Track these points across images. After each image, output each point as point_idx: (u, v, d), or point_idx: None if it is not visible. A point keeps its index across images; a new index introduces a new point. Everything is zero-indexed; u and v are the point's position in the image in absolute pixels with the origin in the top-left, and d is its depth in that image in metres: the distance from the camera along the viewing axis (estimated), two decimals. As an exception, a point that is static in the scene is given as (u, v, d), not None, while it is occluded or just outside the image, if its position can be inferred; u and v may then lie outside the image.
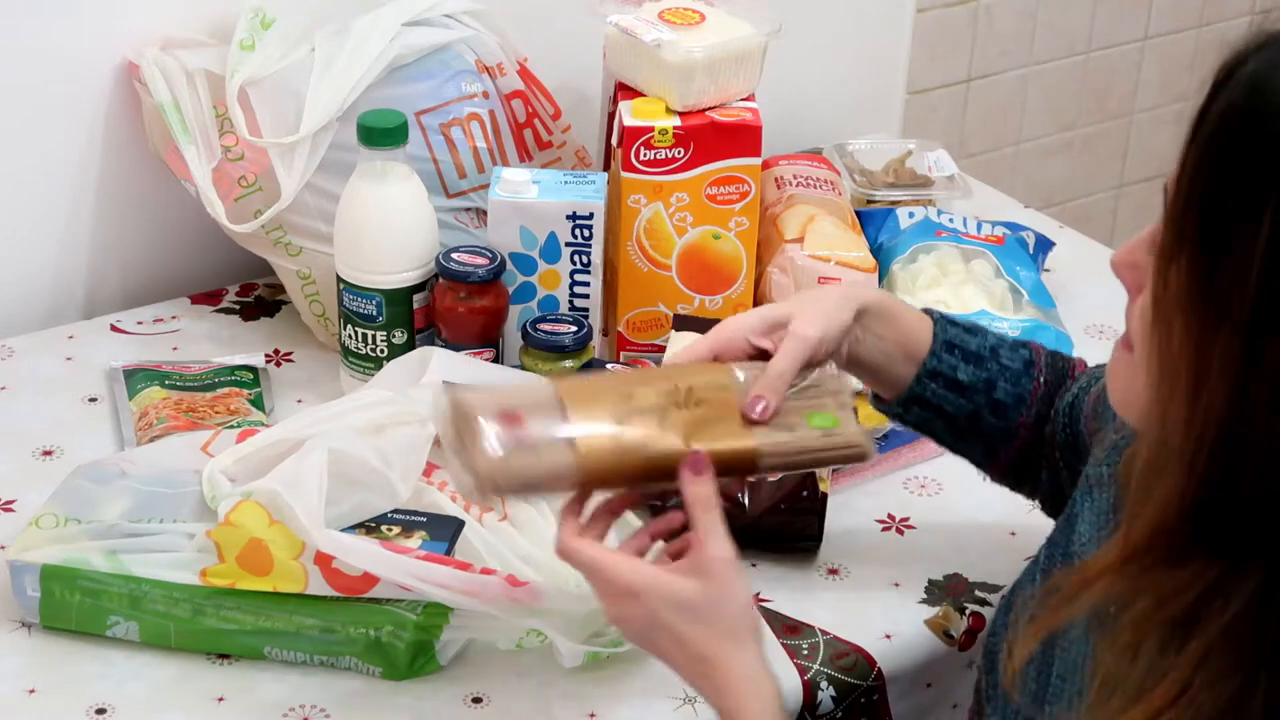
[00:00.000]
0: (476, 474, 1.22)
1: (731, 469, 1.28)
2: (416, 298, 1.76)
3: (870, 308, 1.42)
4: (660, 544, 1.30)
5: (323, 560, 1.42)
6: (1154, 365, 1.00)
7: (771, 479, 1.56)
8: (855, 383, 1.43)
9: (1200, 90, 0.99)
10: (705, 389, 1.29)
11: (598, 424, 1.25)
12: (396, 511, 1.50)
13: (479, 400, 1.24)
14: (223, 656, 1.46)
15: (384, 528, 1.49)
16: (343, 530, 1.46)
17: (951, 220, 2.01)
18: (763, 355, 1.35)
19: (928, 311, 1.48)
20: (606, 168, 1.91)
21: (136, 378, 1.78)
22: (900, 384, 1.46)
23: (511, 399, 1.25)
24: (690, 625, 1.23)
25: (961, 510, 1.68)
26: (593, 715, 1.43)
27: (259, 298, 1.99)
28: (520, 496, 1.45)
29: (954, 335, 1.47)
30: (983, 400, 1.47)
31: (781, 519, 1.59)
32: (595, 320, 1.80)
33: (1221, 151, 0.96)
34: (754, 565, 1.59)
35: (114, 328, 1.93)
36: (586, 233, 1.77)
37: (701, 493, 1.23)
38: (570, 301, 1.80)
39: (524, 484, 1.24)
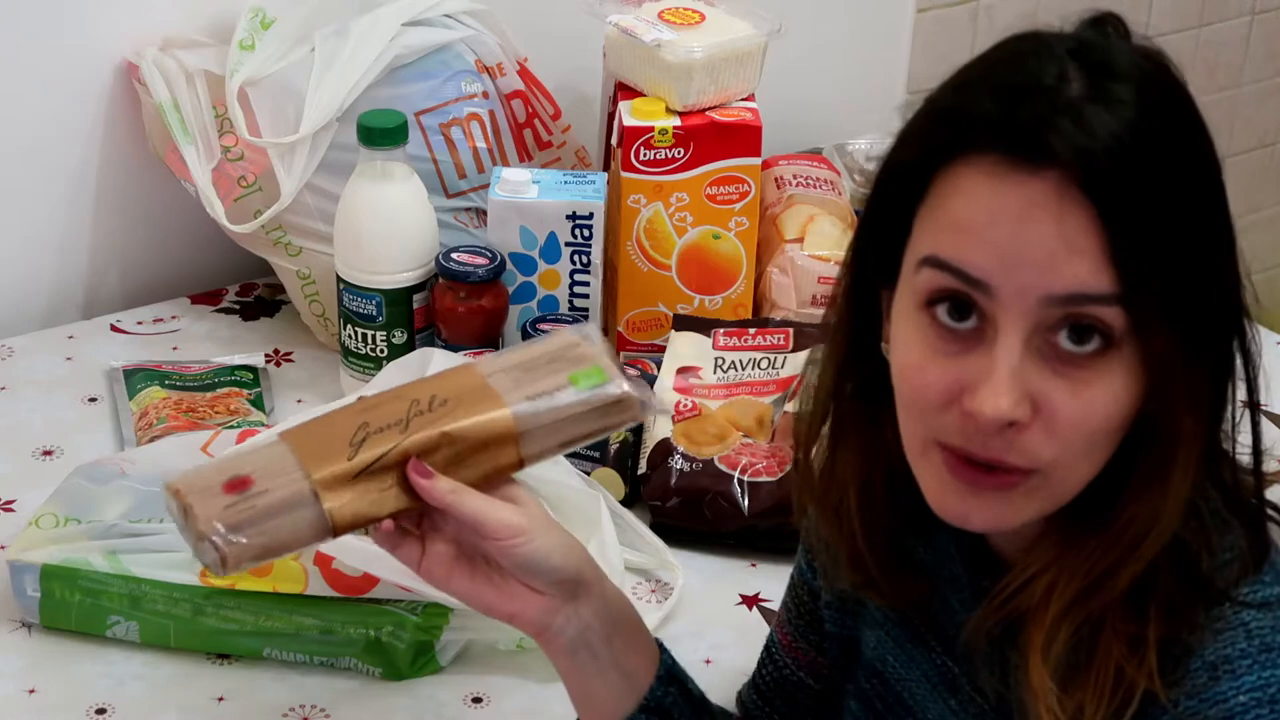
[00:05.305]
0: (216, 560, 1.08)
1: (489, 459, 1.11)
2: (416, 298, 1.76)
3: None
4: None
5: (323, 560, 1.42)
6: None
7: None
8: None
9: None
10: (450, 390, 1.12)
11: (334, 463, 1.09)
12: (396, 511, 1.50)
13: (201, 482, 1.10)
14: (223, 656, 1.46)
15: (384, 528, 1.49)
16: (343, 530, 1.46)
17: (951, 220, 2.00)
18: None
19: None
20: (606, 168, 1.91)
21: (136, 378, 1.78)
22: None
23: (237, 464, 1.11)
24: None
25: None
26: (592, 715, 1.43)
27: (259, 298, 1.99)
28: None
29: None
30: None
31: (779, 519, 1.59)
32: (595, 320, 1.80)
33: None
34: (754, 565, 1.59)
35: (114, 328, 1.93)
36: (586, 233, 1.77)
37: (439, 487, 1.09)
38: (570, 301, 1.80)
39: (269, 553, 1.10)
